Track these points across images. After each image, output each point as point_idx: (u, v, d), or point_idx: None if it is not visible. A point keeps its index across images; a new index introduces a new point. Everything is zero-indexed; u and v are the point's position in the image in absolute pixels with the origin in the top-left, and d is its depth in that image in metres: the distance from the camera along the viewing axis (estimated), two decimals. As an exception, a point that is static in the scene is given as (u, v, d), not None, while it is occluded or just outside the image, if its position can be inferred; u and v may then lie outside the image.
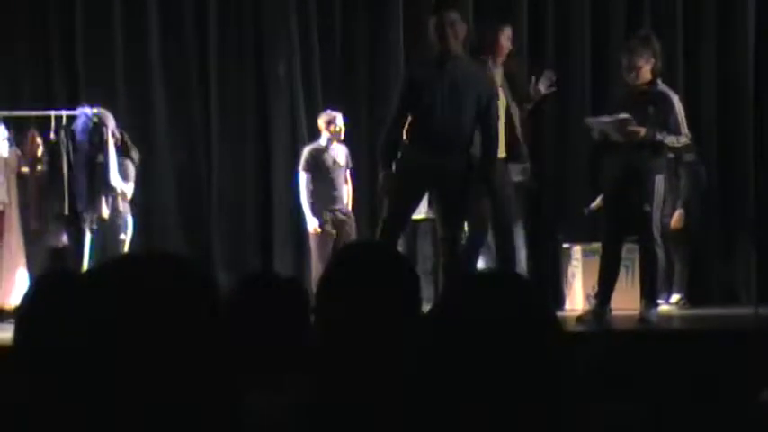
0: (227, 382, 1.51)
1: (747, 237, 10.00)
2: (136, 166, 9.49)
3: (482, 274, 2.04)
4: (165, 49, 10.29)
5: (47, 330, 2.20)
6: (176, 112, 10.30)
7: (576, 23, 10.71)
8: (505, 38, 7.94)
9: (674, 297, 9.82)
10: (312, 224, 9.27)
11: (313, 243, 9.32)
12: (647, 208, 7.45)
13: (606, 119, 7.62)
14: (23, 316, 2.44)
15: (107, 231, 9.33)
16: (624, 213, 7.61)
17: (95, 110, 9.21)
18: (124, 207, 9.48)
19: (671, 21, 10.69)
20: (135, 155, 9.43)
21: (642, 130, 7.37)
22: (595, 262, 9.44)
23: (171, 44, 10.31)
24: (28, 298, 2.52)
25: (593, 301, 7.80)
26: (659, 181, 7.52)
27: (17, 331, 2.42)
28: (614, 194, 7.71)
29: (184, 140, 10.32)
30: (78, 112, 9.24)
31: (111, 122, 9.24)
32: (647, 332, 7.17)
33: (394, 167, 7.13)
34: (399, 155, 7.17)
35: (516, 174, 9.41)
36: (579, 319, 7.64)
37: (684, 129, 7.52)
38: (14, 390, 1.93)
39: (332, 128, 9.32)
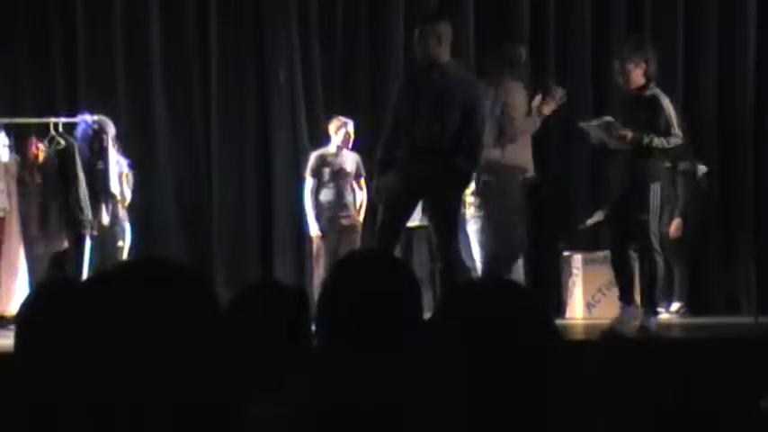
0: (226, 386, 1.51)
1: (748, 244, 10.00)
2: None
3: (480, 282, 2.04)
4: (166, 51, 10.29)
5: (47, 336, 2.20)
6: (177, 114, 10.30)
7: (576, 26, 10.72)
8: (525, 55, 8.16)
9: (675, 305, 9.82)
10: (314, 230, 9.24)
11: (316, 249, 9.29)
12: (644, 216, 7.50)
13: (594, 122, 7.72)
14: (23, 322, 2.44)
15: (105, 238, 9.35)
16: (626, 221, 7.66)
17: (96, 117, 9.23)
18: (122, 213, 9.50)
19: (671, 21, 10.71)
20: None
21: (629, 134, 7.44)
22: (596, 270, 9.46)
23: (172, 46, 10.31)
24: (28, 304, 2.52)
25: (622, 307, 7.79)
26: (655, 189, 7.57)
27: (18, 337, 2.41)
28: (615, 203, 7.76)
29: (185, 143, 10.31)
30: (79, 119, 9.26)
31: (111, 129, 9.25)
32: (646, 341, 7.15)
33: (387, 174, 7.23)
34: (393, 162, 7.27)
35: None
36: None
37: (675, 130, 7.57)
38: (14, 394, 1.94)
39: (341, 134, 9.30)
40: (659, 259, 7.70)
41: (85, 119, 9.22)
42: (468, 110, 7.11)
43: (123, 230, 9.49)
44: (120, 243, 9.47)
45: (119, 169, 9.45)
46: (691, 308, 9.91)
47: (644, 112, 7.53)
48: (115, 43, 10.17)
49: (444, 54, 7.17)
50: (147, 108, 10.22)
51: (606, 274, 9.32)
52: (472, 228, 9.03)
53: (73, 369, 1.47)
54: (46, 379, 1.48)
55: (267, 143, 10.41)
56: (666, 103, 7.65)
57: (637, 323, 7.52)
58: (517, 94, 7.80)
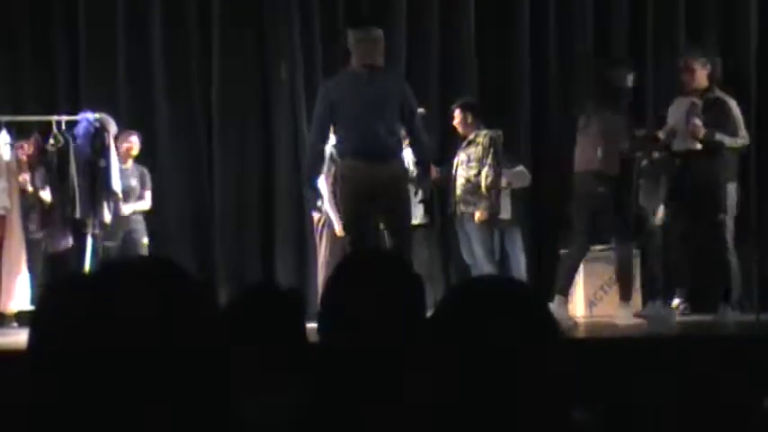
0: (224, 386, 1.51)
1: (750, 241, 9.98)
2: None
3: (482, 279, 2.04)
4: (168, 50, 10.28)
5: (60, 334, 2.18)
6: (178, 113, 10.29)
7: (577, 26, 10.71)
8: None
9: (675, 302, 9.79)
10: (339, 227, 9.09)
11: (331, 245, 9.15)
12: (721, 216, 7.66)
13: (684, 98, 7.81)
14: (39, 320, 2.41)
15: (129, 237, 9.55)
16: (696, 221, 7.82)
17: (97, 115, 9.23)
18: (135, 214, 9.64)
19: (673, 22, 10.71)
20: None
21: (703, 130, 7.55)
22: (597, 268, 9.41)
23: (173, 45, 10.30)
24: (44, 302, 2.50)
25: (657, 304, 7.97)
26: (731, 189, 7.75)
27: (33, 335, 2.39)
28: (687, 202, 7.87)
29: (186, 142, 10.30)
30: (80, 117, 9.26)
31: (112, 127, 9.26)
32: (646, 338, 7.17)
33: (337, 181, 7.49)
34: (337, 169, 7.52)
35: (518, 180, 9.49)
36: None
37: (742, 131, 7.80)
38: (23, 393, 1.94)
39: None
40: (733, 260, 7.88)
41: (87, 117, 9.23)
42: (407, 110, 7.30)
43: (144, 228, 9.69)
44: (144, 240, 9.62)
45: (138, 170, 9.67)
46: (692, 304, 9.88)
47: (710, 114, 7.67)
48: (117, 42, 10.18)
49: (382, 58, 7.33)
50: (148, 107, 10.22)
51: (608, 271, 9.29)
52: (472, 226, 9.05)
53: (79, 369, 1.48)
54: (58, 377, 1.49)
55: (269, 142, 10.41)
56: (733, 104, 7.84)
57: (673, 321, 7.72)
58: (623, 114, 8.08)
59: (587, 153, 8.00)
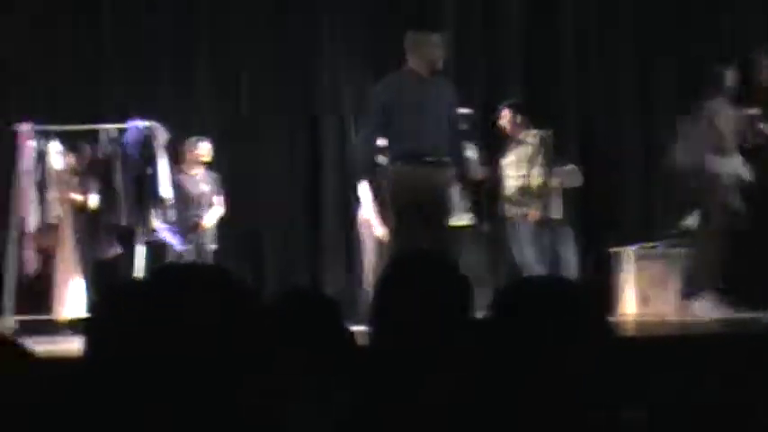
0: (265, 385, 1.53)
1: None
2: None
3: (533, 280, 2.04)
4: (212, 58, 10.34)
5: (113, 341, 2.20)
6: (223, 117, 10.33)
7: (619, 28, 10.66)
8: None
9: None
10: (380, 231, 9.06)
11: (378, 247, 9.14)
12: None
13: (742, 112, 7.83)
14: (93, 327, 2.44)
15: (198, 242, 9.59)
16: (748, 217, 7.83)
17: (147, 123, 9.29)
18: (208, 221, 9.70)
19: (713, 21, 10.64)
20: None
21: None
22: (649, 265, 9.32)
23: (218, 53, 10.35)
24: (97, 310, 2.53)
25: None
26: None
27: (87, 343, 2.41)
28: (756, 199, 7.90)
29: (232, 147, 10.31)
30: (129, 125, 9.33)
31: (162, 135, 9.31)
32: (700, 336, 7.09)
33: (384, 184, 7.48)
34: (385, 172, 7.48)
35: (570, 179, 9.44)
36: None
37: None
38: (76, 399, 1.97)
39: None
40: None
41: (136, 124, 9.30)
42: (453, 119, 7.36)
43: (214, 235, 9.72)
44: (212, 246, 9.66)
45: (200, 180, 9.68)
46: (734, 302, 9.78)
47: None
48: (162, 49, 10.25)
49: (441, 62, 7.37)
50: (192, 114, 10.24)
51: (660, 267, 9.20)
52: (523, 227, 9.02)
53: (132, 374, 1.49)
54: (112, 383, 1.51)
55: (316, 146, 10.42)
56: None
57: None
58: (724, 109, 7.98)
59: (688, 150, 8.02)
